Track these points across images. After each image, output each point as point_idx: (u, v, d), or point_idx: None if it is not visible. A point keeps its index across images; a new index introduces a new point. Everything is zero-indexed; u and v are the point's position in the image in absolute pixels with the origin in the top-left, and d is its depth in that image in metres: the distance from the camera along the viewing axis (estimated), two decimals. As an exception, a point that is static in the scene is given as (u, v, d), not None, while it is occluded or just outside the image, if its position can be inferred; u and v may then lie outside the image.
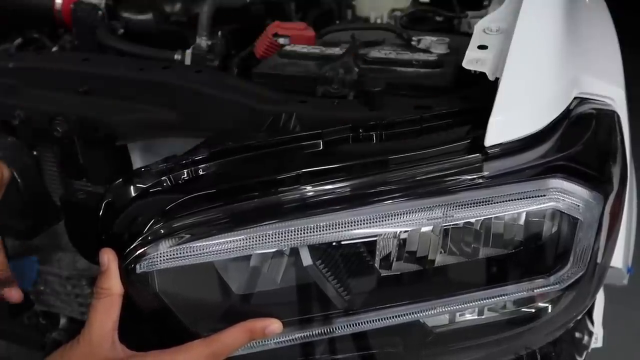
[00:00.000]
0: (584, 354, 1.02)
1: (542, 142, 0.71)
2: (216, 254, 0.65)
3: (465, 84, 0.85)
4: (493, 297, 0.73)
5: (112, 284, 0.65)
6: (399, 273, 0.73)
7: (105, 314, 0.65)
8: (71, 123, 0.90)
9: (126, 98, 0.92)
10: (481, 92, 0.78)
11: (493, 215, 0.69)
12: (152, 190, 0.70)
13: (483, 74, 0.76)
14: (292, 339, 0.72)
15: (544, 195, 0.67)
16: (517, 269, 0.74)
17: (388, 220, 0.66)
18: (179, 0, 1.20)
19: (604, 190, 0.70)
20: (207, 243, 0.64)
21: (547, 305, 0.77)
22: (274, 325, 0.68)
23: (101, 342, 0.64)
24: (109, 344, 0.65)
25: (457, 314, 0.78)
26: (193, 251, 0.64)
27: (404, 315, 0.72)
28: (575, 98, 0.81)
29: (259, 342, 0.70)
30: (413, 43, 1.08)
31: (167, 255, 0.64)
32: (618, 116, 0.82)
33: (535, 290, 0.74)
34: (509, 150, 0.69)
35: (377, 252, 0.71)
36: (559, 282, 0.73)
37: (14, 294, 0.85)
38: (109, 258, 0.66)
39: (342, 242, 0.68)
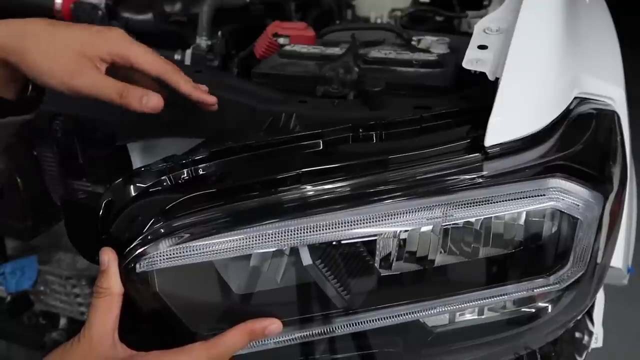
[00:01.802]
0: (584, 354, 1.02)
1: (542, 142, 0.71)
2: (216, 253, 0.65)
3: (465, 84, 0.85)
4: (493, 297, 0.73)
5: (112, 283, 0.65)
6: (398, 273, 0.73)
7: (106, 313, 0.65)
8: (71, 123, 0.90)
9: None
10: (481, 92, 0.78)
11: (493, 215, 0.69)
12: (152, 189, 0.70)
13: (483, 74, 0.76)
14: (292, 339, 0.72)
15: (544, 195, 0.67)
16: (517, 269, 0.74)
17: (388, 219, 0.66)
18: (179, 0, 1.20)
19: (604, 190, 0.70)
20: (207, 242, 0.64)
21: (547, 305, 0.77)
22: (274, 325, 0.68)
23: (101, 341, 0.64)
24: (110, 343, 0.65)
25: (457, 313, 0.78)
26: (193, 250, 0.64)
27: (404, 314, 0.72)
28: (575, 98, 0.81)
29: (258, 342, 0.70)
30: (413, 43, 1.08)
31: (166, 255, 0.64)
32: (618, 116, 0.82)
33: (535, 290, 0.74)
34: (508, 150, 0.69)
35: (377, 252, 0.71)
36: (559, 282, 0.73)
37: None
38: (109, 257, 0.66)
39: (342, 242, 0.69)
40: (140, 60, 0.72)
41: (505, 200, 0.67)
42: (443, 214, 0.67)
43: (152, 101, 0.70)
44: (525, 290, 0.74)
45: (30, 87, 0.74)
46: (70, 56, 0.68)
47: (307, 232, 0.65)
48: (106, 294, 0.65)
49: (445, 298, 0.73)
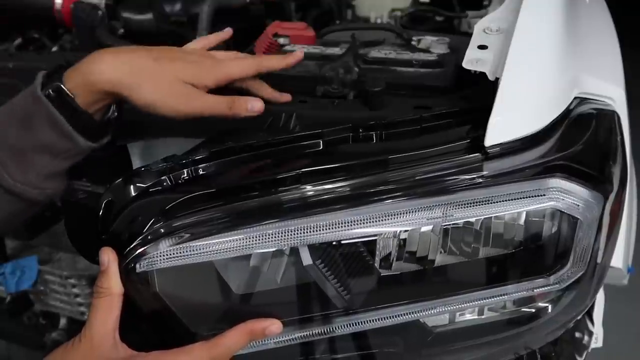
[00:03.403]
0: (584, 354, 1.02)
1: (542, 142, 0.71)
2: (216, 253, 0.65)
3: (465, 84, 0.85)
4: (493, 297, 0.73)
5: (112, 283, 0.65)
6: (398, 273, 0.73)
7: (106, 313, 0.65)
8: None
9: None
10: (481, 92, 0.78)
11: (493, 215, 0.69)
12: (152, 189, 0.70)
13: (483, 74, 0.76)
14: (292, 339, 0.72)
15: (544, 195, 0.67)
16: (517, 269, 0.74)
17: (388, 219, 0.66)
18: (179, 0, 1.20)
19: (604, 190, 0.70)
20: (207, 242, 0.64)
21: (547, 305, 0.77)
22: (274, 325, 0.68)
23: (102, 342, 0.64)
24: (110, 344, 0.65)
25: (457, 313, 0.78)
26: (193, 250, 0.64)
27: (404, 314, 0.72)
28: (575, 98, 0.81)
29: (258, 342, 0.70)
30: (413, 43, 1.08)
31: (167, 255, 0.64)
32: (618, 116, 0.82)
33: (535, 290, 0.74)
34: (508, 150, 0.69)
35: (377, 252, 0.71)
36: (559, 282, 0.73)
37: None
38: (109, 258, 0.66)
39: (342, 242, 0.69)
40: (236, 73, 0.79)
41: (505, 200, 0.67)
42: (443, 214, 0.67)
43: (257, 106, 0.76)
44: (525, 290, 0.74)
45: (112, 109, 0.77)
46: (180, 88, 0.73)
47: (307, 232, 0.65)
48: (106, 294, 0.65)
49: (445, 298, 0.73)
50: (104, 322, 0.65)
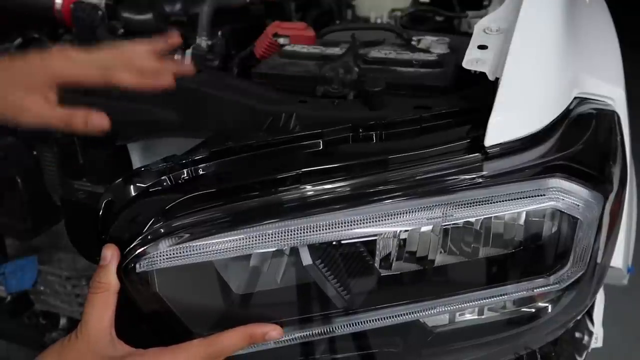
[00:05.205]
0: (584, 354, 1.02)
1: (542, 142, 0.71)
2: (216, 253, 0.65)
3: (465, 84, 0.85)
4: (493, 297, 0.73)
5: (111, 278, 0.65)
6: (398, 273, 0.73)
7: (103, 309, 0.65)
8: (71, 123, 0.90)
9: (126, 98, 0.92)
10: (481, 92, 0.78)
11: (493, 215, 0.69)
12: (152, 189, 0.70)
13: (483, 74, 0.76)
14: (292, 339, 0.72)
15: (544, 195, 0.67)
16: (517, 269, 0.74)
17: (388, 219, 0.66)
18: (179, 0, 1.20)
19: (604, 189, 0.70)
20: (207, 242, 0.64)
21: (547, 305, 0.77)
22: (275, 331, 0.67)
23: (99, 338, 0.64)
24: (107, 340, 0.64)
25: (457, 313, 0.78)
26: (193, 250, 0.64)
27: (404, 314, 0.72)
28: (575, 98, 0.81)
29: (258, 342, 0.70)
30: (413, 43, 1.08)
31: (166, 255, 0.64)
32: (618, 116, 0.82)
33: (535, 290, 0.74)
34: (508, 150, 0.69)
35: (377, 252, 0.71)
36: (559, 282, 0.73)
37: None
38: (112, 253, 0.66)
39: (342, 242, 0.69)
40: (81, 78, 0.74)
41: (505, 200, 0.67)
42: (443, 214, 0.66)
43: (95, 121, 0.72)
44: (525, 290, 0.74)
45: None
46: (17, 94, 0.70)
47: (307, 232, 0.64)
48: (104, 288, 0.65)
49: (445, 298, 0.73)
50: (100, 318, 0.65)
